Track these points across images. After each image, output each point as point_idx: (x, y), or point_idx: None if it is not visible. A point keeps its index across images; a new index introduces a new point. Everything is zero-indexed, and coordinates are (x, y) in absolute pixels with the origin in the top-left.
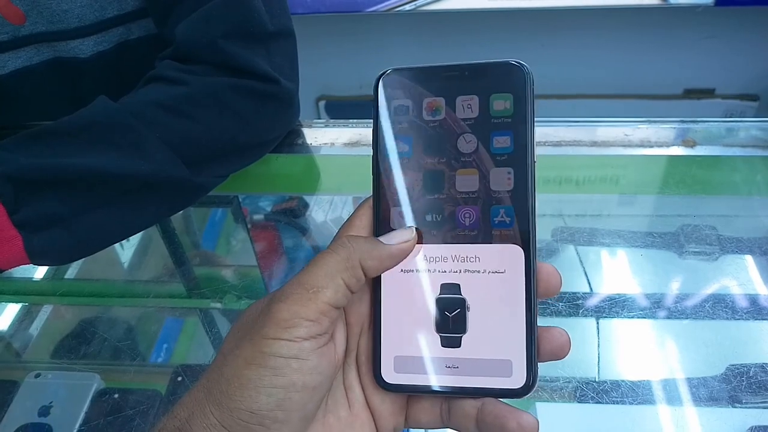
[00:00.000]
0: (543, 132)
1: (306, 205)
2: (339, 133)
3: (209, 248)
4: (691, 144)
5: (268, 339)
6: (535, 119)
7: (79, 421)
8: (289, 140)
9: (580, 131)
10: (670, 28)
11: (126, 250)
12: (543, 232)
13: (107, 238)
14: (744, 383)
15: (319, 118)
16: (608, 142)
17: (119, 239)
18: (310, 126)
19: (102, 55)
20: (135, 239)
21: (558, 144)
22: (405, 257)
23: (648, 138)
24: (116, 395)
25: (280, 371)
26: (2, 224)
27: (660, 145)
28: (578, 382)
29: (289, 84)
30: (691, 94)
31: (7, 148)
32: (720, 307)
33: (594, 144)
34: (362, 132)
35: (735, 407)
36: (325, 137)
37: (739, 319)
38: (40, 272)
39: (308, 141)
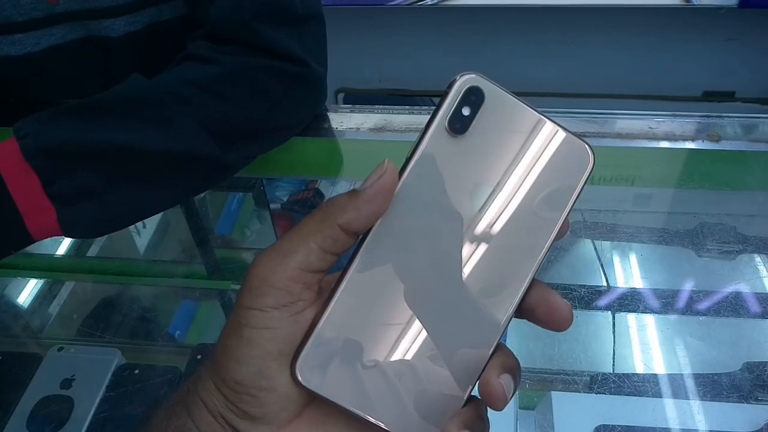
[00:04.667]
0: (566, 124)
1: (322, 196)
2: (364, 119)
3: (229, 228)
4: (716, 138)
5: (243, 308)
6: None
7: (100, 395)
8: (315, 124)
9: (604, 123)
10: (692, 29)
11: (148, 230)
12: None
13: (138, 213)
14: (761, 380)
15: None
16: (633, 135)
17: (150, 214)
18: (336, 111)
19: (133, 36)
20: (156, 219)
21: (582, 135)
22: (386, 196)
23: (672, 131)
24: (137, 371)
25: (253, 341)
26: (37, 195)
27: (684, 138)
28: (594, 374)
29: (319, 67)
30: (710, 96)
31: (42, 120)
32: (737, 305)
33: (618, 136)
34: (387, 118)
35: (751, 403)
36: (351, 122)
37: (756, 317)
38: (62, 249)
39: (334, 125)
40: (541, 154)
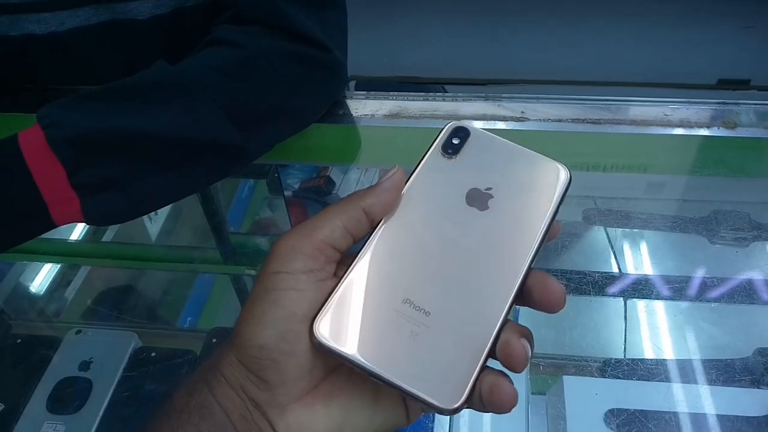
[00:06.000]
0: (580, 110)
1: (333, 184)
2: (379, 105)
3: (240, 216)
4: (732, 125)
5: (270, 274)
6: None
7: (118, 377)
8: (330, 110)
9: (618, 110)
10: (707, 16)
11: (160, 216)
12: (574, 212)
13: (160, 200)
14: None
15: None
16: (647, 122)
17: (171, 201)
18: (351, 97)
19: (159, 19)
20: (169, 206)
21: (596, 122)
22: (398, 188)
23: (687, 118)
24: (153, 354)
25: (279, 303)
26: (62, 185)
27: (699, 125)
28: (606, 359)
29: (339, 54)
30: (725, 84)
31: (66, 107)
32: (750, 292)
33: (633, 123)
34: (402, 104)
35: (762, 388)
36: (366, 109)
37: None
38: (78, 234)
39: (349, 112)
40: (523, 171)
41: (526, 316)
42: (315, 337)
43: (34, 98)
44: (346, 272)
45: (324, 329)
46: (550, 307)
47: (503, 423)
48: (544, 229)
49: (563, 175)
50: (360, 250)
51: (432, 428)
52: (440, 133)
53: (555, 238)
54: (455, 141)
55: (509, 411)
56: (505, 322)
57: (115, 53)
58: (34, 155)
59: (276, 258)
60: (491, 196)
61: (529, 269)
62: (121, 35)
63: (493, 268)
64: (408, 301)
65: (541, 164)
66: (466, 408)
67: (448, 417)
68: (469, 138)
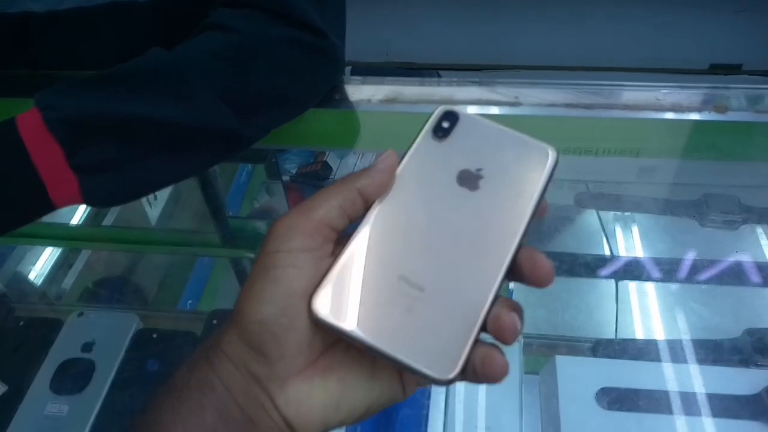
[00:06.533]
0: (573, 95)
1: (330, 169)
2: (375, 90)
3: (239, 201)
4: (723, 110)
5: (269, 253)
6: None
7: (120, 358)
8: (327, 95)
9: (611, 95)
10: (699, 2)
11: (160, 201)
12: (566, 196)
13: (156, 183)
14: (761, 346)
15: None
16: (639, 106)
17: (168, 185)
18: (347, 82)
19: (158, 1)
20: (167, 190)
21: (589, 107)
22: (392, 170)
23: (679, 102)
24: (155, 335)
25: (279, 280)
26: (61, 166)
27: (691, 110)
28: (597, 339)
29: (337, 41)
30: (716, 69)
31: (63, 91)
32: (739, 274)
33: (625, 108)
34: (398, 89)
35: (750, 368)
36: (362, 94)
37: (758, 286)
38: (79, 218)
39: (345, 96)
40: (511, 153)
41: (519, 298)
42: (313, 313)
43: (32, 84)
44: (342, 250)
45: (321, 305)
46: (539, 281)
47: (497, 402)
48: (533, 207)
49: (550, 155)
50: (355, 230)
51: (428, 405)
52: (430, 117)
53: (543, 216)
54: (445, 125)
55: (500, 381)
56: (497, 297)
57: (113, 36)
58: (32, 136)
59: (274, 237)
60: (481, 177)
61: (519, 246)
62: (121, 17)
63: (484, 245)
64: (403, 277)
65: (529, 145)
66: (460, 380)
67: (444, 395)
68: (459, 122)
